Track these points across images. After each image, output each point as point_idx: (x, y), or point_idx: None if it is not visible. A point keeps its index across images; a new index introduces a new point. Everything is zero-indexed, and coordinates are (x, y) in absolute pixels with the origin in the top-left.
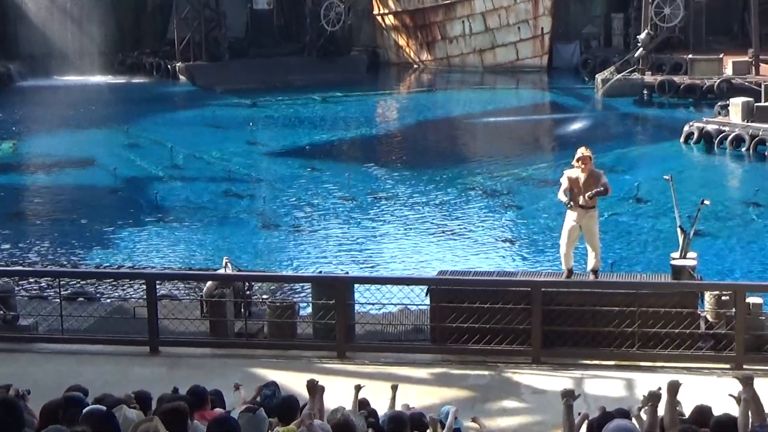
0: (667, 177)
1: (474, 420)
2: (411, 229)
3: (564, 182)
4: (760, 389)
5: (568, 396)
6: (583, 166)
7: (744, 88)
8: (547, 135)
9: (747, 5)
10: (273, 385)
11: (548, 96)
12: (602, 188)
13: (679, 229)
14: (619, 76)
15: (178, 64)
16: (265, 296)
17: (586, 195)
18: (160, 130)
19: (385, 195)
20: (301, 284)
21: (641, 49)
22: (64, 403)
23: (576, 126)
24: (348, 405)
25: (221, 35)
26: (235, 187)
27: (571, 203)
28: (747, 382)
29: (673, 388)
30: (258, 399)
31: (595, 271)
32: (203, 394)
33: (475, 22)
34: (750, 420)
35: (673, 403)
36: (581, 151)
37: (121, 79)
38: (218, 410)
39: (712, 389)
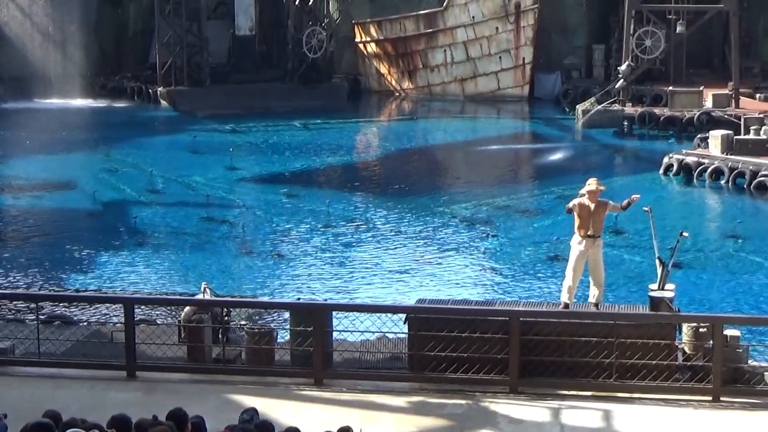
0: (646, 208)
1: None
2: (390, 256)
3: (573, 203)
4: (738, 422)
5: None
6: (590, 196)
7: (724, 120)
8: (527, 165)
9: (727, 38)
10: (252, 411)
11: (529, 126)
12: (624, 203)
13: (657, 261)
14: (599, 107)
15: (159, 89)
16: (243, 322)
17: (622, 204)
18: (141, 155)
19: (365, 222)
20: (279, 311)
21: (622, 80)
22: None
23: (556, 156)
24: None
25: (203, 60)
26: (215, 212)
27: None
28: None
29: None
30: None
31: (596, 305)
32: (183, 418)
33: (456, 51)
34: None
35: None
36: (592, 185)
37: (102, 103)
38: None
39: (688, 421)
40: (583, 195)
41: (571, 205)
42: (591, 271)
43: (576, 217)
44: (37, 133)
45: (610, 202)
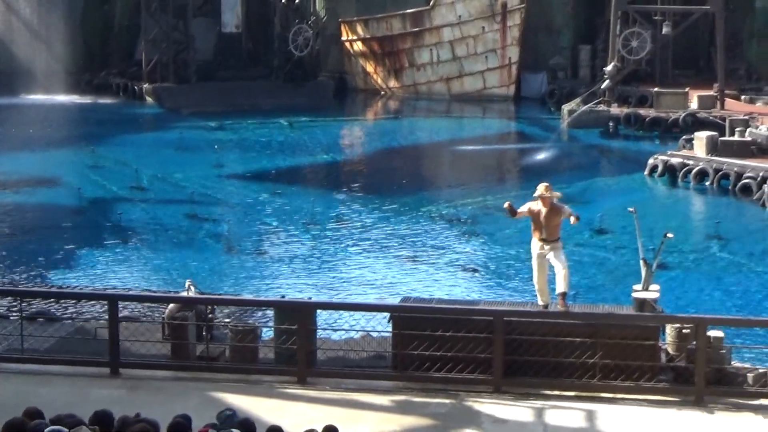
0: (630, 209)
1: None
2: (374, 255)
3: (523, 208)
4: (721, 423)
5: None
6: (542, 202)
7: (709, 122)
8: (512, 164)
9: (713, 40)
10: (230, 409)
11: (514, 125)
12: (575, 216)
13: (642, 262)
14: (585, 107)
15: (145, 86)
16: (227, 320)
17: (576, 215)
18: (126, 151)
19: (350, 221)
20: (263, 308)
21: (608, 81)
22: None
23: (541, 156)
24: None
25: (189, 57)
26: (200, 209)
27: (512, 214)
28: None
29: None
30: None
31: (563, 294)
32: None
33: (442, 50)
34: None
35: None
36: (541, 190)
37: (87, 99)
38: None
39: (671, 422)
40: (536, 199)
41: (520, 210)
42: (554, 264)
43: (531, 221)
44: (22, 128)
45: (565, 208)
